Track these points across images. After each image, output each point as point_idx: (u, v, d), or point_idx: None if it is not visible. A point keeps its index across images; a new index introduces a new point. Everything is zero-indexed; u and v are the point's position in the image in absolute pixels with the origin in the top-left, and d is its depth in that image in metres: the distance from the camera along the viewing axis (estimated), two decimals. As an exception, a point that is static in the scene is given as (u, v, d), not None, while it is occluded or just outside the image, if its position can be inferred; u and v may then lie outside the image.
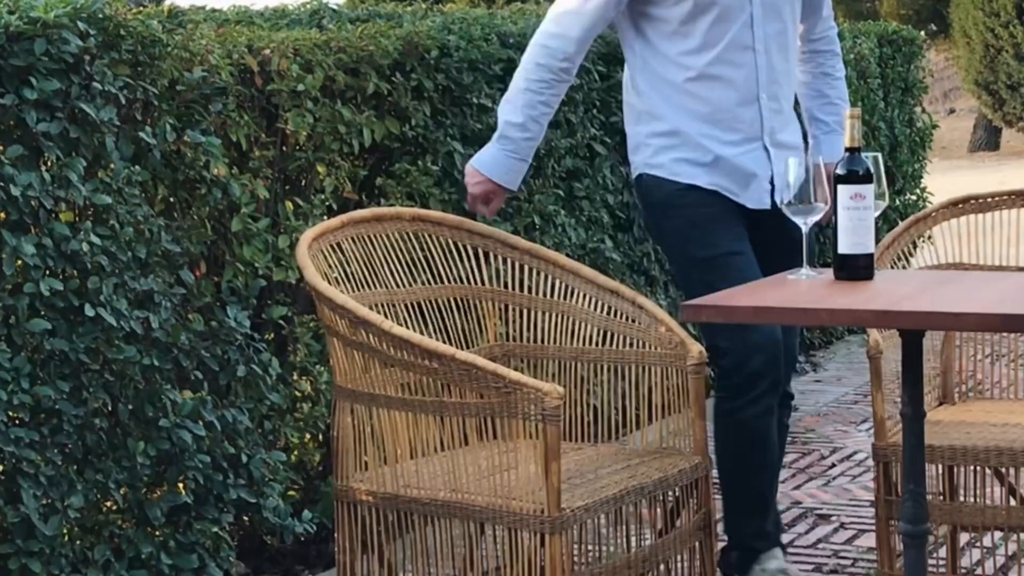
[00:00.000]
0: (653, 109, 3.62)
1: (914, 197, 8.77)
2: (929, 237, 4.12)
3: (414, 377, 3.16)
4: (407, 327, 3.44)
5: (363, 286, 3.43)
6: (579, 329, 3.61)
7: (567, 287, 3.64)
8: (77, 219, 3.47)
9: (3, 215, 3.28)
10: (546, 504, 2.99)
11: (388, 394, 3.20)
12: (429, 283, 3.62)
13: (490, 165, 3.68)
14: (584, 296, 3.63)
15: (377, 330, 3.10)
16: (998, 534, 4.03)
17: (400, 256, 3.51)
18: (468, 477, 3.12)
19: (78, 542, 3.46)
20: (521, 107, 3.62)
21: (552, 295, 3.67)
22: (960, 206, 4.01)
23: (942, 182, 11.43)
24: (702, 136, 3.57)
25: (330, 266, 3.36)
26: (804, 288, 3.02)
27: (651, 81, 3.61)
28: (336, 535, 3.27)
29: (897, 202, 8.56)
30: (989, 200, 4.02)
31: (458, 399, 3.08)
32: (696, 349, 3.44)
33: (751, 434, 3.54)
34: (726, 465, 3.63)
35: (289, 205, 4.21)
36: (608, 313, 3.60)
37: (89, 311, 3.37)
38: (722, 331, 3.47)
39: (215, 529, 3.77)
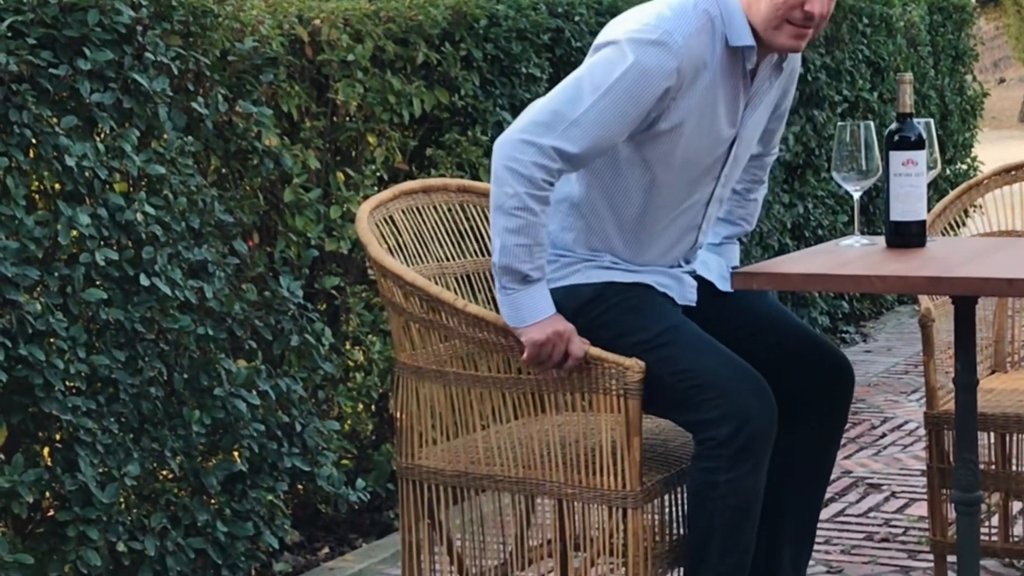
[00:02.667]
0: (596, 228, 3.10)
1: (964, 167, 8.72)
2: (980, 206, 4.09)
3: (487, 354, 3.11)
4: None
5: (416, 259, 3.43)
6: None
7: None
8: (131, 189, 3.51)
9: (58, 186, 3.31)
10: (628, 478, 2.97)
11: (459, 371, 3.17)
12: (478, 255, 3.62)
13: (546, 305, 2.96)
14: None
15: (451, 308, 3.07)
16: (1051, 503, 4.02)
17: (449, 228, 3.51)
18: (544, 452, 3.09)
19: (135, 510, 3.49)
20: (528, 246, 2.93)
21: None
22: (1012, 173, 3.98)
23: (992, 152, 11.35)
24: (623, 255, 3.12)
25: (384, 237, 3.36)
26: (856, 255, 3.01)
27: (603, 203, 3.08)
28: (401, 514, 3.27)
29: (948, 171, 8.51)
30: (1042, 167, 3.99)
31: (535, 375, 3.05)
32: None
33: (752, 504, 2.95)
34: (711, 537, 2.96)
35: (340, 176, 4.23)
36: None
37: (144, 281, 3.40)
38: (707, 400, 2.91)
39: (270, 497, 3.80)
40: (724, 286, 3.23)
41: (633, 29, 2.92)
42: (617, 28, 2.96)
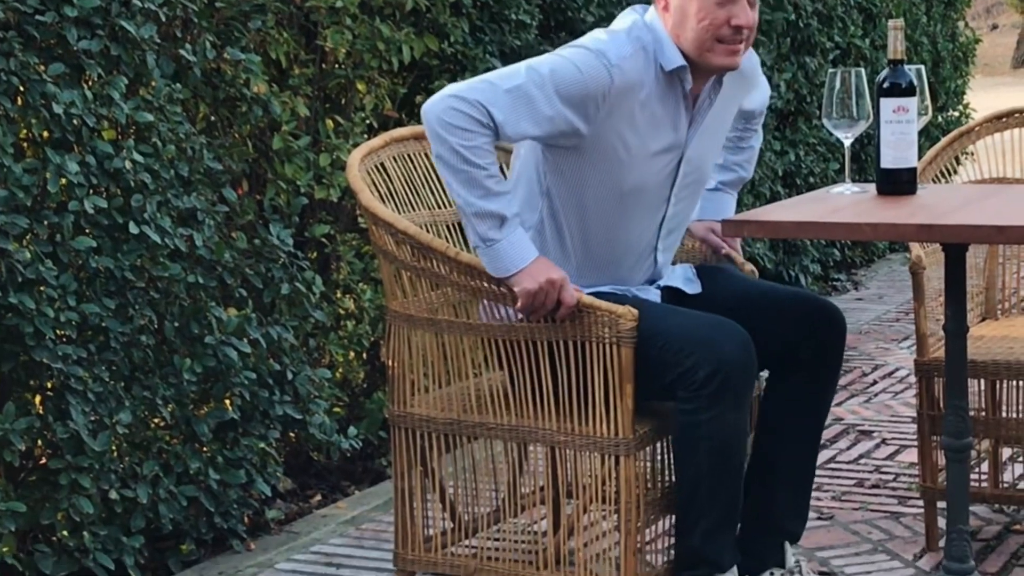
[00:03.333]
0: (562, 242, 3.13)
1: (956, 114, 8.71)
2: (972, 154, 4.08)
3: (479, 302, 3.09)
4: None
5: (407, 207, 3.42)
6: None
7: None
8: (119, 137, 3.49)
9: (46, 133, 3.30)
10: (621, 426, 2.97)
11: (451, 319, 3.16)
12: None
13: (528, 249, 2.97)
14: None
15: (442, 256, 3.07)
16: (1040, 449, 4.03)
17: (440, 176, 3.50)
18: (536, 399, 3.09)
19: (127, 458, 3.50)
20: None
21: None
22: (1004, 120, 3.97)
23: (985, 99, 11.33)
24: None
25: (375, 185, 3.35)
26: (846, 202, 3.01)
27: (553, 230, 3.12)
28: (393, 462, 3.28)
29: (939, 119, 8.50)
30: (1034, 114, 3.98)
31: (527, 323, 3.05)
32: (748, 267, 3.41)
33: (735, 442, 2.98)
34: (699, 479, 2.98)
35: (329, 123, 4.21)
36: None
37: (133, 229, 3.39)
38: (680, 352, 2.92)
39: (262, 445, 3.81)
40: (692, 289, 3.26)
41: (574, 44, 3.01)
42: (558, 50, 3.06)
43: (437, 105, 2.94)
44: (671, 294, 3.24)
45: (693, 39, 2.99)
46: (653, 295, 3.20)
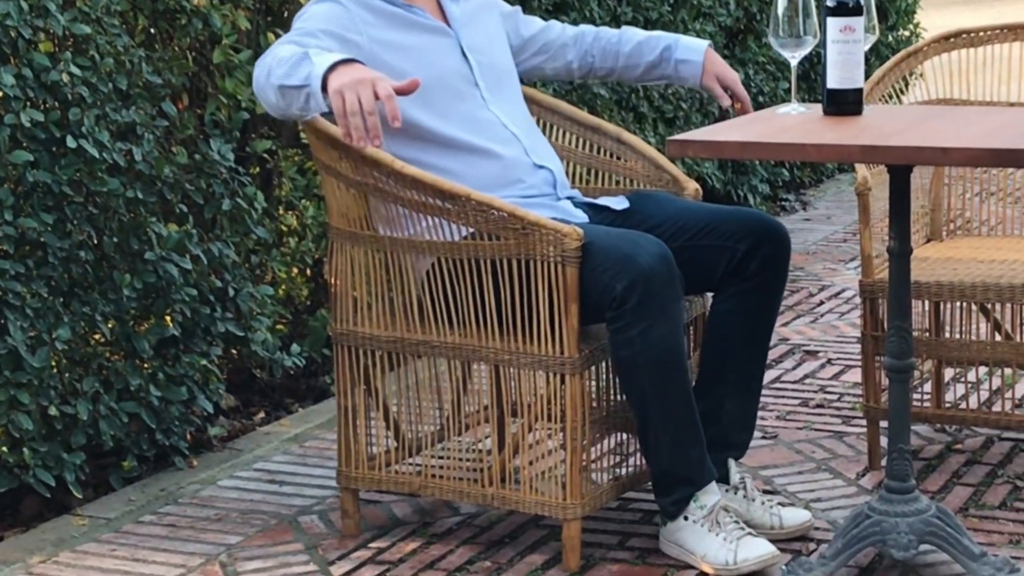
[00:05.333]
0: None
1: (907, 33, 8.68)
2: (921, 74, 4.07)
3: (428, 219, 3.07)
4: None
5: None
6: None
7: (547, 124, 3.57)
8: (56, 49, 3.43)
9: (-19, 45, 3.24)
10: (566, 345, 2.98)
11: (394, 235, 3.13)
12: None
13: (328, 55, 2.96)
14: (565, 133, 3.57)
15: (388, 170, 3.04)
16: (983, 369, 4.05)
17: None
18: (480, 318, 3.06)
19: (67, 374, 3.47)
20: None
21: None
22: (952, 40, 3.96)
23: (936, 18, 11.31)
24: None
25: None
26: (792, 123, 2.99)
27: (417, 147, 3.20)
28: (336, 380, 3.26)
29: (890, 38, 8.47)
30: (981, 35, 3.96)
31: (471, 241, 3.03)
32: (692, 186, 3.39)
33: (670, 354, 2.99)
34: (645, 397, 3.01)
35: (271, 37, 4.14)
36: (591, 150, 3.55)
37: (71, 143, 3.34)
38: (597, 268, 2.97)
39: (204, 362, 3.78)
40: (619, 205, 3.29)
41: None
42: None
43: (257, 72, 3.01)
44: (600, 212, 3.28)
45: None
46: (579, 216, 3.23)
